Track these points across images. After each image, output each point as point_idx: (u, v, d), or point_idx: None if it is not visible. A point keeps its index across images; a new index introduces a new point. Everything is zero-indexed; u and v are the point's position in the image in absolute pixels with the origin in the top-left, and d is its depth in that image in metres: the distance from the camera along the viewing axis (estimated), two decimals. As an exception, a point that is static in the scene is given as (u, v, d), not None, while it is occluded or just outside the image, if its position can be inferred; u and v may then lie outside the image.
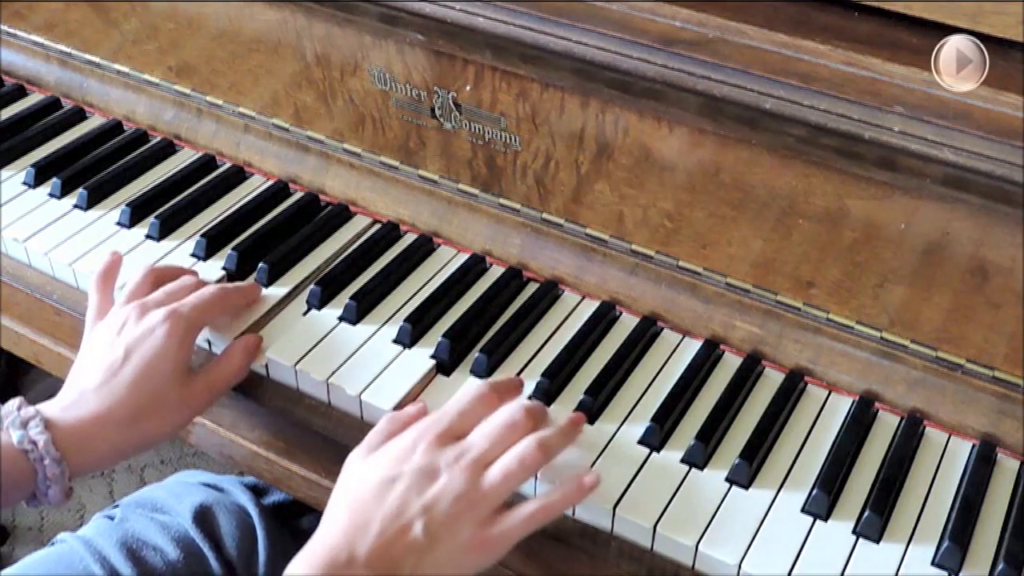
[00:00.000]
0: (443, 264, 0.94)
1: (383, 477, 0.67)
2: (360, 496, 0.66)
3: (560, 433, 0.72)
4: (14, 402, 0.74)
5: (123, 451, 0.76)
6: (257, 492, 0.93)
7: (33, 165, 1.04)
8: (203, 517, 0.88)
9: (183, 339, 0.78)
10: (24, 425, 0.72)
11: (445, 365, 0.83)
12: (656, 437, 0.77)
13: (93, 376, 0.76)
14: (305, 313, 0.88)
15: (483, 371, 0.82)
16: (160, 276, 0.85)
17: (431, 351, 0.84)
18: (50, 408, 0.74)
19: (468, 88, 0.87)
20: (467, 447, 0.69)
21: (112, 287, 0.85)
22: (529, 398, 0.80)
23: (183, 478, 0.96)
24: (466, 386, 0.80)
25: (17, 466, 0.71)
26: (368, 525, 0.64)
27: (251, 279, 0.91)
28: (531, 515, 0.67)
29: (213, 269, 0.92)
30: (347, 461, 0.70)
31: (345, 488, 0.68)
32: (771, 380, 0.83)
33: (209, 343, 0.85)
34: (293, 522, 0.94)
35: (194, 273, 0.87)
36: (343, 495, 0.68)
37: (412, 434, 0.70)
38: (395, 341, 0.85)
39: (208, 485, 0.93)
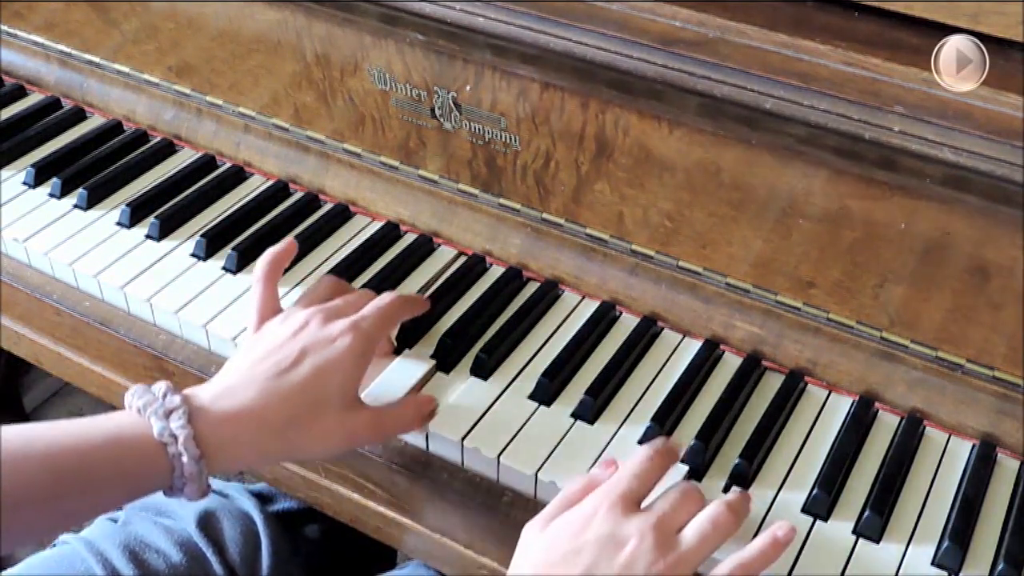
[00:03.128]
0: (443, 264, 0.94)
1: (567, 549, 0.63)
2: (545, 568, 0.63)
3: (742, 500, 0.68)
4: (160, 386, 0.67)
5: (267, 457, 0.71)
6: (262, 499, 0.93)
7: (33, 165, 1.04)
8: (207, 522, 0.88)
9: (362, 356, 0.73)
10: (167, 415, 0.65)
11: (445, 365, 0.83)
12: (656, 437, 0.77)
13: (260, 368, 0.69)
14: (305, 313, 0.88)
15: (483, 371, 0.82)
16: (336, 288, 0.82)
17: (431, 351, 0.84)
18: (201, 393, 0.68)
19: (468, 88, 0.87)
20: (653, 511, 0.65)
21: (276, 281, 0.79)
22: (529, 398, 0.80)
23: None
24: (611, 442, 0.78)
25: (153, 459, 0.65)
26: None
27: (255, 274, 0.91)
28: (729, 574, 0.64)
29: (213, 269, 0.92)
30: (524, 533, 0.67)
31: (525, 560, 0.65)
32: (771, 380, 0.83)
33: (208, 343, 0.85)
34: (298, 530, 0.94)
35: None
36: (523, 566, 0.65)
37: (591, 502, 0.66)
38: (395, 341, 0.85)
39: (213, 491, 0.93)
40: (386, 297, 0.79)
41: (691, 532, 0.64)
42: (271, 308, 0.77)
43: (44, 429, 0.64)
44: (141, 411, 0.66)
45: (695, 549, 0.64)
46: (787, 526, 0.66)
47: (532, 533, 0.66)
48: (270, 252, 0.80)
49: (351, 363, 0.71)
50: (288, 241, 0.82)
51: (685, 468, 0.75)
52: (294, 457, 0.73)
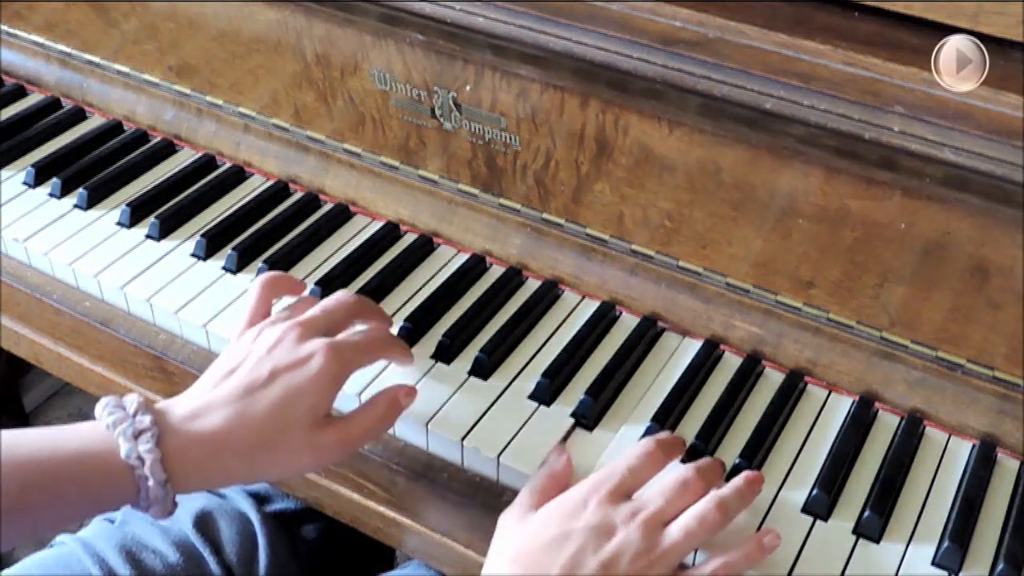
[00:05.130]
0: (443, 264, 0.94)
1: (554, 534, 0.63)
2: (528, 552, 0.63)
3: (737, 493, 0.68)
4: (132, 402, 0.66)
5: (233, 478, 0.70)
6: (260, 500, 0.93)
7: (33, 165, 1.04)
8: (204, 522, 0.88)
9: (335, 379, 0.70)
10: (136, 436, 0.65)
11: (445, 364, 0.83)
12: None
13: (230, 389, 0.68)
14: (305, 313, 0.88)
15: (483, 371, 0.82)
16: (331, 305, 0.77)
17: (431, 351, 0.84)
18: (174, 409, 0.67)
19: (468, 88, 0.87)
20: (642, 504, 0.66)
21: (272, 297, 0.78)
22: (529, 398, 0.80)
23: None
24: (613, 437, 0.77)
25: (120, 479, 0.64)
26: None
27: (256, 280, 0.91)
28: (712, 573, 0.65)
29: (213, 269, 0.92)
30: (501, 521, 0.67)
31: (506, 546, 0.65)
32: (771, 380, 0.83)
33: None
34: (295, 530, 0.94)
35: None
36: (506, 551, 0.65)
37: (582, 491, 0.67)
38: (395, 341, 0.85)
39: (210, 491, 0.93)
40: (378, 330, 0.77)
41: (677, 528, 0.65)
42: (259, 316, 0.76)
43: (14, 439, 0.64)
44: (110, 428, 0.65)
45: (680, 545, 0.65)
46: (774, 534, 0.68)
47: (511, 521, 0.67)
48: (279, 275, 0.79)
49: (321, 386, 0.69)
50: (298, 282, 0.81)
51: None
52: (261, 478, 0.72)
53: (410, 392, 0.75)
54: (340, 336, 0.74)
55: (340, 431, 0.70)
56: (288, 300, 0.81)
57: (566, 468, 0.72)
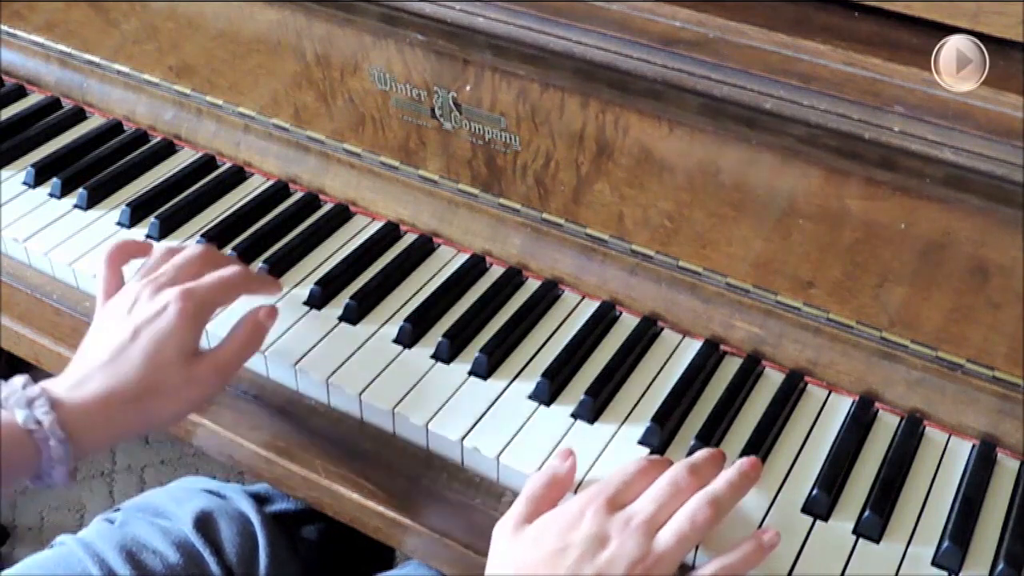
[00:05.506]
0: (443, 264, 0.94)
1: (553, 548, 0.64)
2: (528, 566, 0.64)
3: (730, 486, 0.68)
4: (19, 379, 0.71)
5: (128, 431, 0.74)
6: (260, 500, 0.93)
7: (33, 165, 1.04)
8: (204, 523, 0.88)
9: (194, 319, 0.75)
10: (29, 404, 0.69)
11: (445, 364, 0.83)
12: (656, 437, 0.77)
13: (101, 354, 0.73)
14: (304, 314, 0.88)
15: (483, 371, 0.82)
16: (172, 254, 0.82)
17: (431, 351, 0.84)
18: (55, 386, 0.72)
19: (468, 88, 0.87)
20: (635, 511, 0.66)
21: (120, 265, 0.82)
22: (529, 398, 0.80)
23: (185, 484, 0.96)
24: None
25: (21, 446, 0.68)
26: None
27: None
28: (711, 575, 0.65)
29: (213, 269, 0.92)
30: (496, 532, 0.68)
31: (504, 560, 0.66)
32: (771, 380, 0.83)
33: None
34: (295, 531, 0.94)
35: (217, 254, 0.84)
36: (504, 566, 0.65)
37: (579, 502, 0.67)
38: (395, 341, 0.85)
39: (210, 492, 0.93)
40: (227, 269, 0.80)
41: (669, 532, 0.65)
42: (114, 288, 0.79)
43: None
44: (3, 402, 0.69)
45: (673, 549, 0.65)
46: (773, 532, 0.68)
47: (506, 532, 0.67)
48: (122, 240, 0.83)
49: (182, 326, 0.74)
50: (146, 243, 0.85)
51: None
52: (153, 424, 0.76)
53: (271, 312, 0.79)
54: (193, 282, 0.78)
55: (211, 361, 0.75)
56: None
57: (569, 474, 0.72)
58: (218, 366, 0.76)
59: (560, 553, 0.64)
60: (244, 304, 0.82)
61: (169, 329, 0.74)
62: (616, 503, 0.67)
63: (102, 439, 0.73)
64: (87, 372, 0.73)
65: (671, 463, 0.72)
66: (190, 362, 0.74)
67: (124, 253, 0.82)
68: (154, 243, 0.85)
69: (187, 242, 0.95)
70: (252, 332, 0.78)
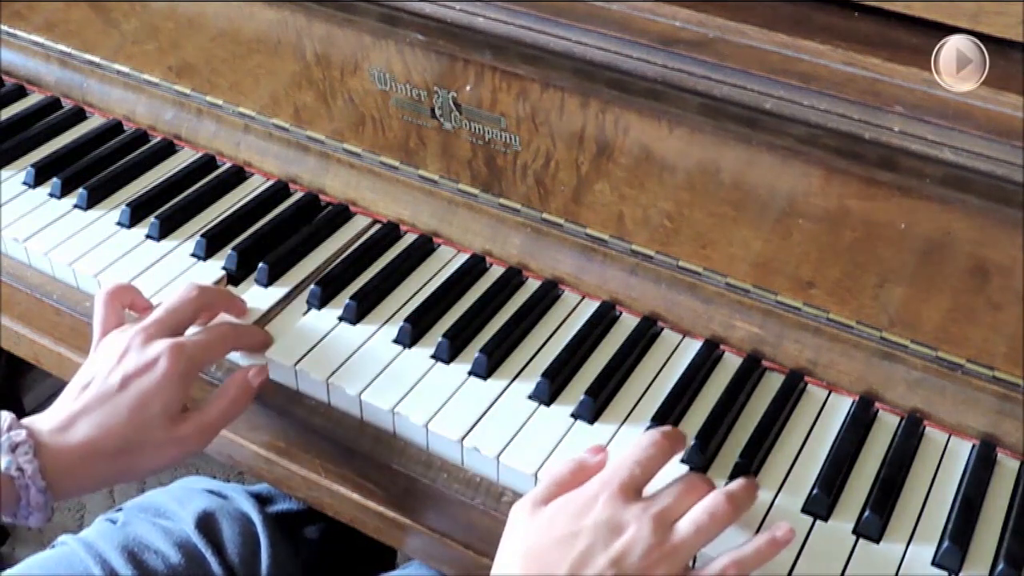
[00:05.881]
0: (443, 264, 0.94)
1: (564, 532, 0.64)
2: (539, 549, 0.63)
3: (744, 490, 0.69)
4: (4, 418, 0.72)
5: (107, 481, 0.75)
6: (261, 500, 0.93)
7: (33, 165, 1.04)
8: (206, 523, 0.88)
9: (182, 377, 0.75)
10: (13, 450, 0.70)
11: (445, 364, 0.83)
12: (656, 437, 0.77)
13: (88, 401, 0.73)
14: (305, 313, 0.88)
15: (483, 371, 0.82)
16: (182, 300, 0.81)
17: (431, 351, 0.84)
18: (40, 427, 0.72)
19: (468, 88, 0.87)
20: (652, 501, 0.66)
21: (119, 305, 0.81)
22: (529, 398, 0.80)
23: (187, 484, 0.96)
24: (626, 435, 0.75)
25: (1, 490, 0.69)
26: None
27: (251, 279, 0.91)
28: (723, 571, 0.65)
29: (213, 269, 0.92)
30: (514, 513, 0.67)
31: (517, 540, 0.65)
32: (771, 380, 0.83)
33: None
34: (297, 531, 0.94)
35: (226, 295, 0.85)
36: (516, 547, 0.65)
37: (593, 487, 0.66)
38: (395, 341, 0.85)
39: (212, 492, 0.93)
40: (223, 324, 0.81)
41: (687, 523, 0.65)
42: (112, 323, 0.79)
43: None
44: None
45: (691, 540, 0.64)
46: (786, 527, 0.66)
47: (523, 513, 0.67)
48: (123, 286, 0.83)
49: (171, 384, 0.74)
50: (142, 298, 0.84)
51: (685, 468, 0.75)
52: (133, 476, 0.76)
53: (260, 371, 0.79)
54: (188, 333, 0.78)
55: (196, 421, 0.75)
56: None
57: (598, 467, 0.70)
58: (202, 427, 0.76)
59: (572, 537, 0.63)
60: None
61: (157, 386, 0.74)
62: (631, 488, 0.67)
63: (80, 487, 0.74)
64: (72, 416, 0.73)
65: (683, 436, 0.72)
66: (175, 421, 0.74)
67: (122, 297, 0.82)
68: (152, 304, 0.85)
69: (187, 242, 0.95)
70: (239, 394, 0.78)
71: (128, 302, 0.83)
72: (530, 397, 0.81)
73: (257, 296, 0.89)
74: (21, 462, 0.69)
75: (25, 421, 0.72)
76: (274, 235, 0.96)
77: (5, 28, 1.16)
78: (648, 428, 0.77)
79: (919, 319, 0.77)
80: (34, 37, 1.14)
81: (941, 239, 0.73)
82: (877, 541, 0.71)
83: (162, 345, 0.75)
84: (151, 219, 0.97)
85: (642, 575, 0.62)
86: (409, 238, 0.96)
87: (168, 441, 0.74)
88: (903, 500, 0.74)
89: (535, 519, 0.66)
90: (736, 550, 0.66)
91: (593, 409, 0.79)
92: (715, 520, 0.65)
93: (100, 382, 0.74)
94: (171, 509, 0.90)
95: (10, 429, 0.71)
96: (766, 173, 0.78)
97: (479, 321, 0.87)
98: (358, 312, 0.87)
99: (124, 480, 0.76)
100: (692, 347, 0.85)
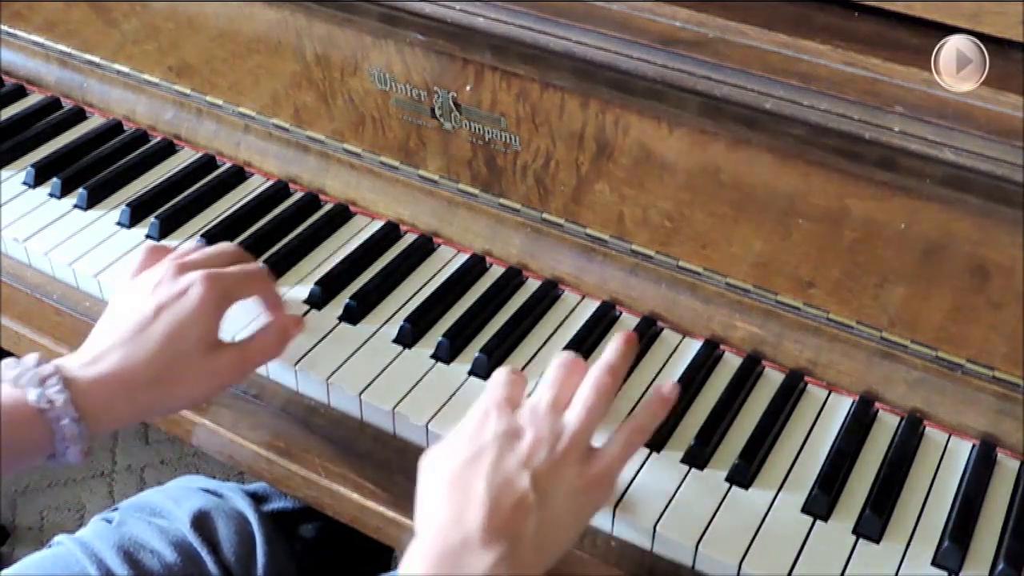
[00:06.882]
0: (443, 264, 0.94)
1: (468, 455, 0.64)
2: (451, 479, 0.64)
3: (619, 354, 0.71)
4: (32, 357, 0.69)
5: (143, 412, 0.74)
6: (257, 499, 0.93)
7: (33, 165, 1.04)
8: (201, 522, 0.88)
9: (217, 305, 0.74)
10: (42, 382, 0.68)
11: (445, 364, 0.83)
12: (656, 437, 0.77)
13: (120, 332, 0.72)
14: (305, 313, 0.88)
15: (483, 371, 0.82)
16: (199, 247, 0.82)
17: (431, 351, 0.84)
18: (69, 363, 0.70)
19: (468, 88, 0.87)
20: (536, 399, 0.68)
21: (159, 257, 0.80)
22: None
23: (183, 483, 0.96)
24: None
25: (33, 425, 0.67)
26: (470, 501, 0.61)
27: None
28: (627, 440, 0.67)
29: (213, 269, 0.92)
30: (422, 460, 0.68)
31: (430, 481, 0.66)
32: (771, 380, 0.83)
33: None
34: (293, 530, 0.94)
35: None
36: (430, 487, 0.65)
37: (478, 410, 0.68)
38: (395, 341, 0.85)
39: (208, 491, 0.93)
40: (256, 268, 0.81)
41: (578, 406, 0.67)
42: (146, 268, 0.78)
43: None
44: (14, 382, 0.68)
45: (586, 420, 0.67)
46: (671, 383, 0.72)
47: (429, 457, 0.67)
48: (161, 244, 0.82)
49: (204, 311, 0.73)
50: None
51: (686, 468, 0.75)
52: (168, 407, 0.76)
53: (298, 322, 0.81)
54: (217, 269, 0.77)
55: (235, 353, 0.75)
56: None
57: None
58: (241, 360, 0.76)
59: (478, 455, 0.64)
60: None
61: (191, 313, 0.73)
62: (513, 401, 0.68)
63: (116, 419, 0.71)
64: (104, 348, 0.71)
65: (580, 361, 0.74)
66: (211, 350, 0.74)
67: (166, 250, 0.81)
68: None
69: (187, 242, 0.95)
70: (280, 335, 0.79)
71: (166, 254, 0.82)
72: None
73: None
74: (50, 394, 0.67)
75: (55, 361, 0.70)
76: (274, 235, 0.96)
77: (5, 28, 1.16)
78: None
79: (919, 319, 0.77)
80: (34, 37, 1.14)
81: (941, 239, 0.73)
82: (877, 541, 0.71)
83: (195, 274, 0.74)
84: (151, 219, 0.97)
85: (554, 468, 0.64)
86: (409, 238, 0.96)
87: (205, 371, 0.73)
88: (903, 500, 0.74)
89: (440, 456, 0.67)
90: (631, 418, 0.69)
91: (593, 409, 0.79)
92: (601, 395, 0.68)
93: (132, 311, 0.73)
94: (167, 508, 0.90)
95: (38, 364, 0.69)
96: (766, 173, 0.78)
97: (479, 321, 0.87)
98: (358, 312, 0.87)
99: (161, 412, 0.76)
100: (692, 347, 0.85)
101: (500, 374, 0.71)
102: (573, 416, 0.67)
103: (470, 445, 0.65)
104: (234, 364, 0.75)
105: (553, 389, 0.68)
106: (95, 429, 0.69)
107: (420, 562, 0.60)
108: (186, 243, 0.84)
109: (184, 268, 0.76)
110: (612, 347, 0.72)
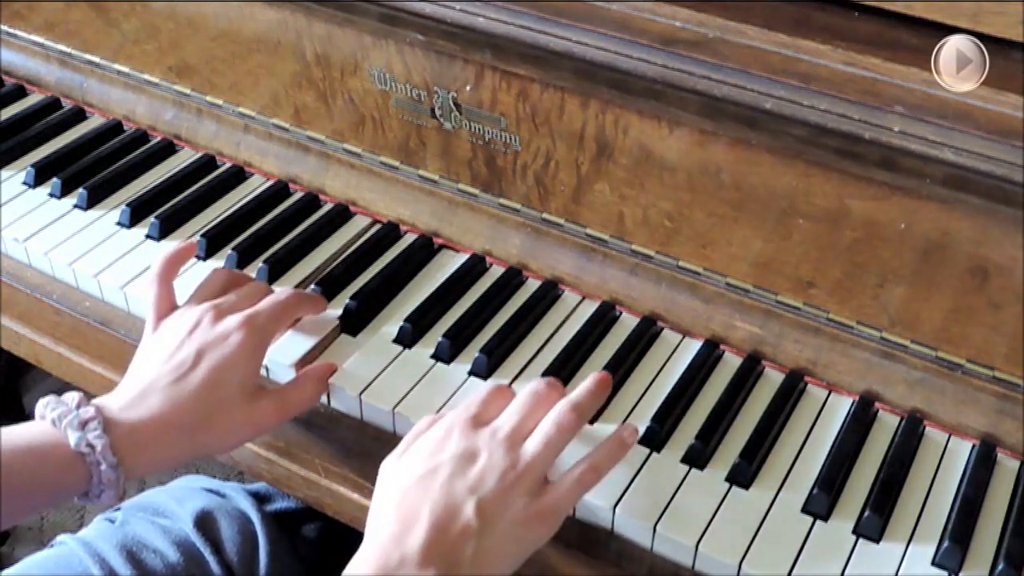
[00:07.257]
0: (443, 264, 0.94)
1: (423, 471, 0.65)
2: (402, 494, 0.65)
3: (589, 394, 0.72)
4: (73, 397, 0.70)
5: (180, 458, 0.73)
6: (260, 499, 0.93)
7: (33, 165, 1.04)
8: (204, 521, 0.88)
9: (256, 349, 0.75)
10: (83, 426, 0.68)
11: (445, 365, 0.83)
12: (656, 437, 0.77)
13: (160, 374, 0.72)
14: (305, 313, 0.88)
15: (483, 371, 0.82)
16: (229, 280, 0.82)
17: (431, 351, 0.84)
18: (110, 405, 0.70)
19: (468, 88, 0.87)
20: (500, 424, 0.68)
21: (171, 280, 0.80)
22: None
23: (186, 483, 0.96)
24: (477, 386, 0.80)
25: (72, 469, 0.67)
26: (415, 520, 0.62)
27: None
28: (579, 478, 0.67)
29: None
30: (382, 467, 0.69)
31: (384, 490, 0.67)
32: (771, 380, 0.83)
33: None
34: (295, 529, 0.94)
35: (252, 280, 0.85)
36: (384, 497, 0.66)
37: (443, 426, 0.69)
38: (395, 341, 0.85)
39: (211, 491, 0.93)
40: (282, 293, 0.81)
41: (536, 438, 0.68)
42: (167, 306, 0.79)
43: None
44: (56, 423, 0.68)
45: (542, 455, 0.67)
46: (631, 428, 0.72)
47: (389, 465, 0.68)
48: (167, 252, 0.81)
49: (245, 358, 0.74)
50: (188, 243, 0.84)
51: (686, 468, 0.75)
52: (206, 454, 0.76)
53: (330, 367, 0.81)
54: (252, 309, 0.77)
55: (275, 401, 0.75)
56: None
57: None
58: (279, 409, 0.75)
59: (431, 474, 0.65)
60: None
61: (232, 359, 0.73)
62: (480, 421, 0.69)
63: (154, 464, 0.71)
64: (145, 390, 0.71)
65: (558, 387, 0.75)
66: (251, 398, 0.74)
67: (172, 265, 0.81)
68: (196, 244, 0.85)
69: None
70: (317, 383, 0.79)
71: (179, 265, 0.82)
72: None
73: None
74: (91, 438, 0.67)
75: (95, 400, 0.70)
76: (274, 235, 0.96)
77: (5, 28, 1.16)
78: (648, 428, 0.77)
79: (919, 319, 0.77)
80: (34, 37, 1.14)
81: (941, 239, 0.73)
82: (877, 541, 0.71)
83: (234, 319, 0.75)
84: (151, 219, 0.97)
85: (500, 497, 0.64)
86: (409, 238, 0.96)
87: (244, 418, 0.73)
88: (903, 500, 0.74)
89: (398, 466, 0.68)
90: (588, 456, 0.69)
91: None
92: (562, 431, 0.68)
93: (173, 354, 0.73)
94: (169, 508, 0.90)
95: (79, 407, 0.69)
96: (766, 173, 0.78)
97: (479, 321, 0.87)
98: (357, 312, 0.87)
99: (197, 457, 0.75)
100: (692, 347, 0.85)
101: (482, 391, 0.72)
102: (531, 447, 0.67)
103: (427, 461, 0.66)
104: (272, 412, 0.75)
105: (517, 416, 0.69)
106: (131, 474, 0.69)
107: (360, 573, 0.61)
108: (213, 271, 0.84)
109: (220, 312, 0.76)
110: (584, 386, 0.73)
